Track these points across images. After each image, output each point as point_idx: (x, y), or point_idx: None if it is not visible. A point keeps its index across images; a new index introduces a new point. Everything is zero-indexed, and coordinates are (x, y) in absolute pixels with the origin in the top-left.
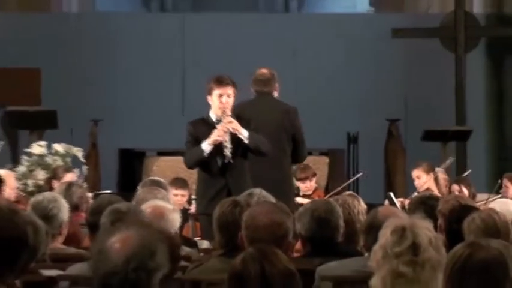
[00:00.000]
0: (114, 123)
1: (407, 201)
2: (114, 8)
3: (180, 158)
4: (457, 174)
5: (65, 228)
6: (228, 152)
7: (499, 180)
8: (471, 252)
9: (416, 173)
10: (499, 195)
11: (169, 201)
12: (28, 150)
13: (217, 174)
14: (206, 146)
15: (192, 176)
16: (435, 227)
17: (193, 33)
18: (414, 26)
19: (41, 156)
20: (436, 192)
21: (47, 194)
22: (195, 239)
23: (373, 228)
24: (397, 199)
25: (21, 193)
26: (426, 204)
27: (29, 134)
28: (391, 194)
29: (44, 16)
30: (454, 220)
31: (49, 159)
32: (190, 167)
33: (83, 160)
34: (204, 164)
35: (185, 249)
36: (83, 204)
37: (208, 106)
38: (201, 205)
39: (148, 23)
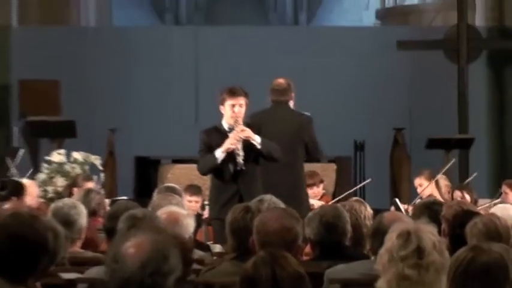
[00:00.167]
0: (131, 132)
1: (410, 208)
2: (130, 21)
3: (194, 166)
4: (459, 181)
5: (83, 233)
6: (240, 159)
7: (500, 189)
8: (473, 256)
9: (418, 181)
10: (498, 200)
11: (183, 207)
12: (48, 158)
13: (230, 180)
14: (219, 154)
15: (206, 182)
16: (439, 232)
17: (206, 45)
18: (418, 38)
19: (61, 164)
20: (438, 198)
21: (67, 201)
22: (208, 243)
23: (379, 233)
24: (402, 205)
25: (41, 200)
26: (430, 210)
27: (49, 142)
28: (397, 199)
29: (63, 30)
30: (457, 225)
31: (68, 167)
32: (203, 173)
33: (100, 168)
34: (217, 170)
35: (198, 253)
36: (100, 210)
37: (221, 115)
38: (214, 210)
39: (163, 36)
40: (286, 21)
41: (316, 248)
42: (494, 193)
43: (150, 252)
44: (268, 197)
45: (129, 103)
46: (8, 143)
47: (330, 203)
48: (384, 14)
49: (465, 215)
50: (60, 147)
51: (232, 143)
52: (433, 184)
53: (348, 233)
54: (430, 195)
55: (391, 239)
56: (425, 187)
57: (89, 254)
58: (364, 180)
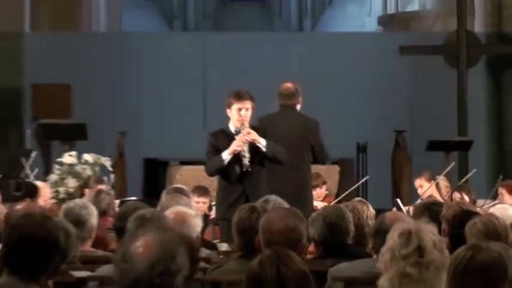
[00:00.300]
0: (140, 134)
1: (411, 208)
2: (140, 28)
3: (201, 167)
4: (459, 182)
5: (94, 232)
6: (246, 161)
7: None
8: (473, 254)
9: (418, 182)
10: (496, 201)
11: (191, 207)
12: (60, 160)
13: (236, 181)
14: (226, 156)
15: (213, 183)
16: (439, 231)
17: (214, 51)
18: (419, 44)
19: (72, 165)
20: (438, 198)
21: (78, 201)
22: (215, 241)
23: (381, 232)
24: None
25: (53, 201)
26: (431, 210)
27: (60, 144)
28: (398, 200)
29: (74, 36)
30: (456, 224)
31: (79, 168)
32: (210, 174)
33: (110, 169)
34: (223, 172)
35: (205, 252)
36: (110, 210)
37: (228, 118)
38: (221, 211)
39: (172, 42)
40: (291, 27)
41: (319, 247)
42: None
43: (158, 252)
44: (274, 198)
45: (138, 107)
46: (21, 145)
47: (332, 203)
48: (385, 20)
49: (464, 215)
50: (71, 149)
51: (238, 145)
52: (433, 185)
53: (350, 233)
54: (430, 196)
55: (392, 238)
56: (427, 189)
57: (100, 252)
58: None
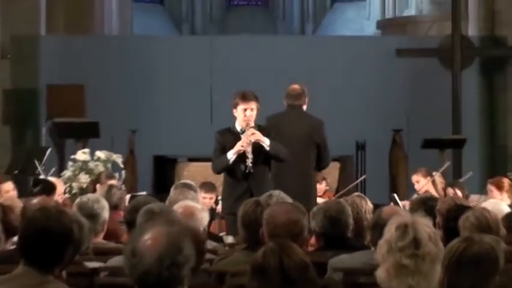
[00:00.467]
0: (150, 133)
1: (407, 203)
2: (150, 31)
3: (208, 164)
4: (453, 178)
5: (106, 225)
6: (249, 162)
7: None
8: (466, 247)
9: (415, 177)
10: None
11: (198, 201)
12: (73, 156)
13: (241, 179)
14: (231, 155)
15: (219, 179)
16: (434, 224)
17: (220, 53)
18: (416, 47)
19: (85, 162)
20: (434, 193)
21: (91, 196)
22: (221, 234)
23: (378, 225)
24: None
25: (66, 195)
26: (426, 204)
27: (74, 142)
28: (395, 195)
29: (88, 38)
30: (450, 218)
31: (92, 165)
32: (217, 173)
33: (121, 165)
34: (229, 170)
35: (212, 244)
36: (121, 204)
37: (234, 118)
38: (227, 205)
39: (180, 45)
40: (294, 31)
41: (320, 240)
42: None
43: (166, 245)
44: (277, 193)
45: (148, 106)
46: (37, 142)
47: (331, 198)
48: (384, 24)
49: (458, 209)
50: (84, 146)
51: (242, 145)
52: (429, 181)
53: (350, 226)
54: (426, 192)
55: (389, 231)
56: (424, 184)
57: (111, 244)
58: (362, 176)
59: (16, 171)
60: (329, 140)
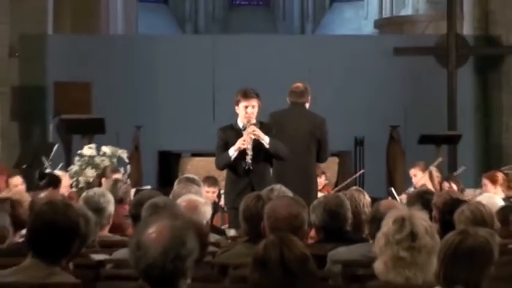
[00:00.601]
0: (154, 128)
1: (404, 197)
2: (154, 31)
3: (211, 159)
4: (448, 173)
5: (111, 218)
6: (248, 159)
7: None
8: (461, 239)
9: (413, 171)
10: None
11: (201, 195)
12: (80, 152)
13: (243, 174)
14: (232, 152)
15: (222, 173)
16: (430, 218)
17: (222, 52)
18: (413, 45)
19: (91, 157)
20: (430, 187)
21: (97, 190)
22: (223, 227)
23: (376, 219)
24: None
25: (73, 189)
26: (423, 198)
27: (80, 138)
28: (392, 189)
29: (94, 38)
30: (446, 211)
31: (98, 160)
32: (220, 169)
33: (127, 160)
34: (231, 166)
35: (214, 237)
36: (126, 198)
37: (236, 114)
38: (229, 200)
39: (184, 44)
40: (294, 30)
41: (320, 233)
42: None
43: (170, 238)
44: (278, 187)
45: (153, 103)
46: (44, 138)
47: (330, 192)
48: (381, 24)
49: (454, 203)
50: (90, 142)
51: (242, 143)
52: (426, 175)
53: (348, 219)
54: (423, 185)
55: (387, 225)
56: (420, 178)
57: (117, 237)
58: (360, 171)
59: (24, 166)
60: (329, 136)
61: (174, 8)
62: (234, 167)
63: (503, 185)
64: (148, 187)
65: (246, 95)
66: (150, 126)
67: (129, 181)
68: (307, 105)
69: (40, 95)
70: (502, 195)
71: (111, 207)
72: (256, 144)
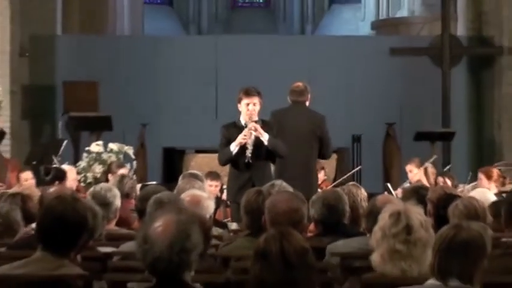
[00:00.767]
0: (159, 126)
1: (400, 192)
2: (159, 31)
3: (214, 155)
4: (443, 168)
5: (118, 213)
6: (248, 153)
7: (470, 173)
8: (455, 233)
9: (409, 167)
10: (473, 184)
11: (204, 190)
12: (88, 148)
13: (244, 169)
14: (233, 147)
15: (224, 169)
16: (425, 212)
17: (225, 52)
18: (408, 46)
19: (98, 153)
20: (425, 183)
21: (104, 185)
22: (226, 221)
23: (373, 213)
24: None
25: (81, 184)
26: (418, 193)
27: (88, 135)
28: (389, 184)
29: (101, 38)
30: (441, 206)
31: (105, 156)
32: (222, 164)
33: (133, 157)
34: (233, 161)
35: (217, 230)
36: (133, 193)
37: (238, 112)
38: (231, 194)
39: (188, 44)
40: (294, 31)
41: (319, 226)
42: (473, 179)
43: (176, 232)
44: (279, 182)
45: (158, 101)
46: (54, 135)
47: (328, 187)
48: (378, 25)
49: (448, 198)
50: (98, 139)
51: (243, 137)
52: (421, 171)
53: (346, 214)
54: (418, 181)
55: (383, 219)
56: (416, 174)
57: (123, 231)
58: (357, 167)
59: (34, 162)
60: (329, 132)
61: (178, 10)
62: (236, 162)
63: (498, 181)
64: (154, 182)
65: (248, 93)
66: (155, 124)
67: (135, 177)
68: (307, 103)
69: (49, 94)
70: (495, 190)
71: (117, 202)
72: (257, 141)
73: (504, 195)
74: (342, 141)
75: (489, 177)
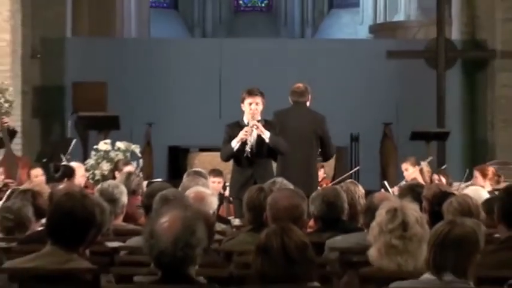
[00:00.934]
0: (165, 125)
1: (396, 189)
2: (165, 34)
3: (217, 154)
4: (437, 167)
5: (124, 209)
6: (247, 148)
7: (467, 170)
8: (450, 229)
9: (405, 166)
10: (469, 182)
11: (208, 187)
12: (96, 147)
13: (246, 166)
14: (234, 144)
15: (227, 167)
16: (420, 209)
17: (228, 54)
18: (405, 49)
19: (106, 151)
20: (421, 181)
21: (111, 182)
22: (229, 217)
23: (370, 210)
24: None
25: (90, 181)
26: (413, 191)
27: (97, 134)
28: (385, 182)
29: (109, 40)
30: (435, 203)
31: (112, 154)
32: (224, 160)
33: (139, 155)
34: (236, 159)
35: (220, 226)
36: (139, 189)
37: (242, 112)
38: (234, 191)
39: (192, 47)
40: (295, 34)
41: (318, 222)
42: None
43: (181, 228)
44: (280, 180)
45: (163, 102)
46: (63, 134)
47: (328, 185)
48: (375, 29)
49: (442, 195)
50: (106, 137)
51: (244, 133)
52: (417, 169)
53: (345, 210)
54: (413, 179)
55: (380, 215)
56: (412, 172)
57: (130, 226)
58: (356, 167)
59: (44, 160)
60: (330, 132)
61: (183, 14)
62: (239, 159)
63: (492, 179)
64: (159, 180)
65: (251, 93)
66: (161, 124)
67: (141, 174)
68: (308, 104)
69: (59, 94)
70: (490, 188)
71: (124, 198)
72: (259, 139)
73: (497, 192)
74: (340, 140)
75: (484, 175)
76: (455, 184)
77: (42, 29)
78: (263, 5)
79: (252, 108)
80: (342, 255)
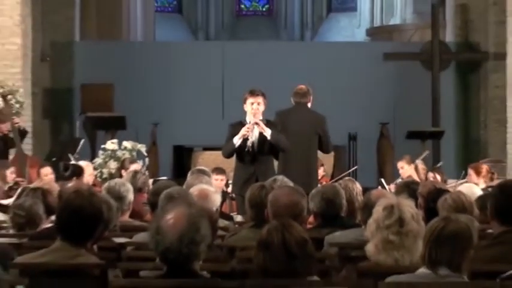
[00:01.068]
0: (170, 125)
1: (392, 187)
2: (170, 37)
3: (220, 153)
4: (432, 165)
5: (131, 206)
6: (248, 142)
7: (463, 172)
8: (444, 225)
9: (400, 164)
10: (464, 180)
11: (211, 185)
12: (103, 146)
13: (248, 163)
14: (236, 140)
15: (229, 166)
16: (416, 205)
17: (231, 56)
18: (400, 51)
19: (113, 151)
20: (416, 178)
21: (118, 180)
22: (231, 214)
23: (368, 206)
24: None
25: (98, 179)
26: (409, 188)
27: (104, 134)
28: (382, 180)
29: (116, 43)
30: (430, 200)
31: (119, 153)
32: (226, 156)
33: (145, 154)
34: (238, 155)
35: (223, 222)
36: (145, 187)
37: (244, 112)
38: (236, 187)
39: (196, 49)
40: (295, 37)
41: (318, 218)
42: (460, 175)
43: (186, 225)
44: (281, 177)
45: (168, 102)
46: (72, 134)
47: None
48: (372, 32)
49: (437, 192)
50: (113, 137)
51: (246, 130)
52: (412, 167)
53: (343, 207)
54: (409, 176)
55: (377, 211)
56: (407, 170)
57: (136, 222)
58: (356, 164)
59: (54, 160)
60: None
61: (187, 17)
62: (241, 155)
63: (486, 177)
64: (165, 178)
65: (253, 93)
66: (166, 124)
67: (147, 172)
68: (309, 104)
69: (68, 96)
70: (483, 185)
71: (130, 195)
72: (261, 137)
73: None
74: (339, 139)
75: (478, 173)
76: (450, 181)
77: (51, 33)
78: (264, 9)
79: (253, 108)
80: (341, 250)
